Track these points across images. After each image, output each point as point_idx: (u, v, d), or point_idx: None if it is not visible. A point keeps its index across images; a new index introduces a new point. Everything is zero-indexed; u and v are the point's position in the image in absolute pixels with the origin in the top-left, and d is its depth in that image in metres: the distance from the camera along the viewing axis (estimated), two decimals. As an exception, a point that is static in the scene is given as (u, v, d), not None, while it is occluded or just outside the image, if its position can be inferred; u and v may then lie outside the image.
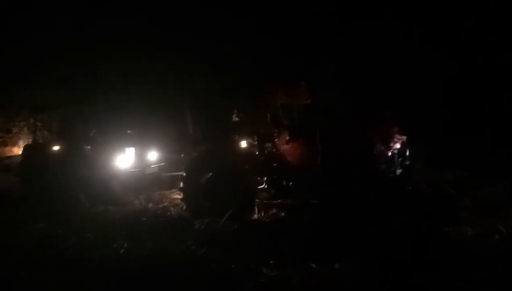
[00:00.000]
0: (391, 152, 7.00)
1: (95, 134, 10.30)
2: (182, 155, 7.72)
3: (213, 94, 8.36)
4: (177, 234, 6.46)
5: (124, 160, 9.53)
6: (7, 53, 14.18)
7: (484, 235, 5.70)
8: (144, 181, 9.81)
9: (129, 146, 9.66)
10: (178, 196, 9.25)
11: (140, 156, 9.88)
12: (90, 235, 6.69)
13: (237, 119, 8.09)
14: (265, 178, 7.50)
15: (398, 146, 7.12)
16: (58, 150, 10.09)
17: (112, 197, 8.80)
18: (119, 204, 8.64)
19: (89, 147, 9.91)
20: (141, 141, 10.06)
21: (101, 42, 14.14)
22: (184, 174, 7.46)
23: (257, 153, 7.69)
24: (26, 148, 11.23)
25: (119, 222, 7.51)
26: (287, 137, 7.46)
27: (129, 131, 10.08)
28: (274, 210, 7.49)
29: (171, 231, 6.71)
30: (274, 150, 7.75)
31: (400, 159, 7.17)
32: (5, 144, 15.17)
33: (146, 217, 7.71)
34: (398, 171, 7.09)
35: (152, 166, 10.17)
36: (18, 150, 14.16)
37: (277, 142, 7.67)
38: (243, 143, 7.73)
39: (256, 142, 7.76)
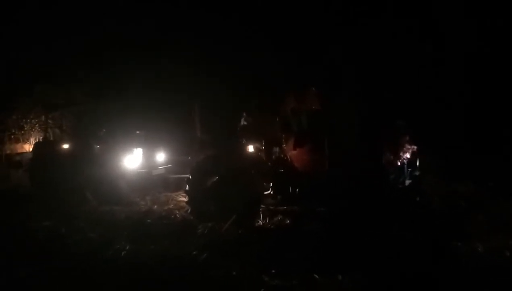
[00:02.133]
0: (401, 162, 6.85)
1: (105, 134, 10.39)
2: (189, 157, 7.65)
3: (222, 98, 8.27)
4: (180, 238, 6.39)
5: (132, 160, 9.54)
6: (22, 53, 14.35)
7: (495, 251, 5.51)
8: (150, 182, 9.79)
9: (137, 146, 9.67)
10: (183, 198, 9.23)
11: (148, 157, 9.90)
12: (93, 235, 6.67)
13: (245, 123, 8.01)
14: (271, 184, 7.37)
15: (408, 155, 6.97)
16: (68, 148, 10.18)
17: (119, 197, 8.79)
18: (125, 204, 8.61)
19: (98, 146, 9.97)
20: (149, 142, 10.07)
21: (114, 43, 14.23)
22: (190, 177, 7.40)
23: (264, 157, 7.58)
24: (36, 145, 11.37)
25: (124, 222, 7.48)
26: (294, 143, 7.35)
27: (137, 132, 10.09)
28: (280, 217, 7.37)
29: (174, 234, 6.64)
30: (281, 156, 7.65)
31: (410, 169, 7.00)
32: (17, 141, 15.34)
33: (151, 219, 7.67)
34: (407, 182, 6.93)
35: (159, 167, 10.18)
36: (29, 147, 14.32)
37: (284, 148, 7.57)
38: (251, 148, 7.63)
39: (263, 147, 7.65)
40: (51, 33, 14.68)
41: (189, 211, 7.44)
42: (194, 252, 5.66)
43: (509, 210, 6.95)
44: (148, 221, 7.57)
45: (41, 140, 12.79)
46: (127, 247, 5.92)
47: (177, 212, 8.16)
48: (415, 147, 7.08)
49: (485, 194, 7.78)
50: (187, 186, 7.43)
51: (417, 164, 7.12)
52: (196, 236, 6.55)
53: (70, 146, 10.21)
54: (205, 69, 12.25)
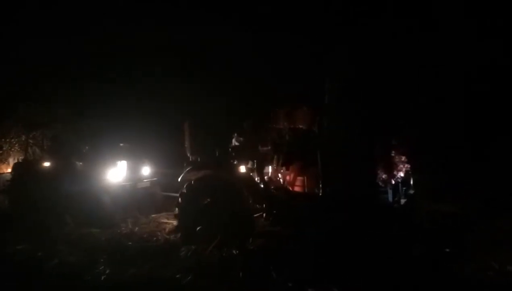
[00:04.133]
0: (395, 181, 6.83)
1: (88, 150, 10.15)
2: (179, 179, 7.44)
3: (215, 116, 8.09)
4: (163, 261, 6.19)
5: (116, 173, 9.36)
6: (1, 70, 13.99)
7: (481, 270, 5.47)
8: (134, 197, 9.59)
9: (121, 159, 9.52)
10: (166, 220, 9.02)
11: (132, 170, 9.75)
12: (72, 258, 6.42)
13: (236, 143, 7.86)
14: (264, 205, 7.22)
15: (402, 174, 6.94)
16: (48, 167, 9.90)
17: (100, 216, 8.51)
18: (106, 225, 8.34)
19: (81, 163, 9.72)
20: (134, 155, 9.97)
21: (96, 56, 13.92)
22: (180, 200, 7.17)
23: (256, 178, 7.43)
24: (15, 166, 11.01)
25: (104, 245, 7.22)
26: (282, 162, 7.27)
27: (121, 145, 9.97)
28: (270, 239, 7.17)
29: (157, 257, 6.44)
30: (274, 176, 7.54)
31: (404, 188, 6.97)
32: (-5, 162, 14.91)
33: (132, 242, 7.42)
34: (402, 201, 6.89)
35: (144, 180, 10.02)
36: (7, 167, 13.93)
37: (276, 167, 7.47)
38: (242, 168, 7.51)
39: (255, 167, 7.52)
40: (26, 51, 14.34)
41: (178, 235, 7.15)
42: (178, 275, 5.47)
43: (503, 229, 6.89)
44: (129, 243, 7.34)
45: (20, 160, 12.39)
46: (107, 271, 5.70)
47: (159, 233, 7.94)
48: (408, 165, 7.06)
49: (480, 212, 7.67)
50: (176, 209, 7.20)
51: (411, 182, 7.09)
52: (180, 258, 6.34)
53: (51, 165, 9.94)
54: (198, 84, 11.93)
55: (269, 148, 7.68)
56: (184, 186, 7.27)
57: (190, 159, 7.79)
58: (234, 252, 6.40)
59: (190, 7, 12.46)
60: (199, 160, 7.73)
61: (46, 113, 13.92)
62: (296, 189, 7.38)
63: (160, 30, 12.75)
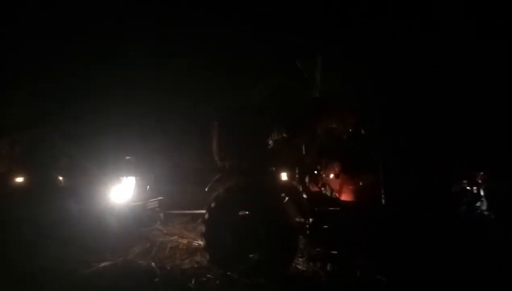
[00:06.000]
0: (477, 191, 5.72)
1: (70, 162, 8.33)
2: (206, 189, 6.09)
3: (249, 112, 6.61)
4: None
5: (121, 192, 7.79)
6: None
7: None
8: (141, 219, 8.01)
9: (127, 175, 7.94)
10: (183, 240, 7.53)
11: (140, 187, 8.16)
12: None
13: (275, 146, 6.42)
14: (310, 220, 5.92)
15: (480, 181, 5.86)
16: (22, 182, 8.07)
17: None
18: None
19: (61, 177, 8.01)
20: (140, 169, 8.35)
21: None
22: (207, 215, 5.85)
23: (300, 188, 6.13)
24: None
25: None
26: (338, 170, 5.99)
27: (127, 157, 8.31)
28: (318, 262, 5.99)
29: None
30: (321, 186, 6.24)
31: (484, 198, 5.87)
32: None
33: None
34: (485, 212, 5.78)
35: (151, 200, 8.44)
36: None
37: (324, 176, 6.17)
38: (284, 177, 6.20)
39: (297, 176, 6.21)
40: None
41: (208, 258, 5.86)
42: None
43: None
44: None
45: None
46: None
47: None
48: (482, 173, 5.96)
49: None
50: (203, 227, 5.87)
51: (484, 192, 5.99)
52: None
53: (24, 179, 8.05)
54: (230, 77, 9.91)
55: (315, 151, 6.41)
56: (213, 198, 5.95)
57: (219, 165, 6.41)
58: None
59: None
60: (228, 166, 6.37)
61: (13, 118, 11.41)
62: (350, 202, 6.10)
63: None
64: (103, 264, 6.16)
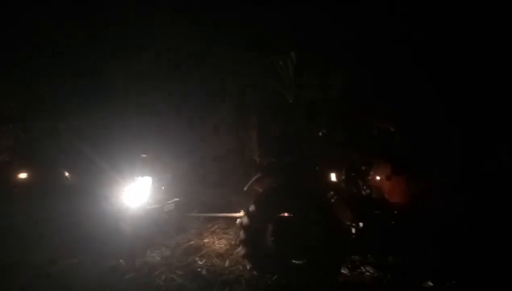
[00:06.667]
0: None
1: (78, 158, 7.61)
2: (245, 189, 5.53)
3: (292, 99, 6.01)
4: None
5: (137, 193, 7.07)
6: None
7: None
8: (160, 224, 7.31)
9: (143, 174, 7.22)
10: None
11: (156, 188, 7.45)
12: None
13: (321, 143, 5.92)
14: (360, 224, 5.44)
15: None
16: (26, 179, 7.35)
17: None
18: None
19: (68, 174, 7.29)
20: (157, 168, 7.65)
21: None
22: (247, 220, 5.31)
23: (350, 190, 5.66)
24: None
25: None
26: (390, 170, 5.54)
27: (143, 155, 7.60)
28: (370, 270, 5.52)
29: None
30: (371, 188, 5.77)
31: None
32: None
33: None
34: None
35: (168, 202, 7.75)
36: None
37: (375, 177, 5.70)
38: (332, 177, 5.70)
39: (344, 176, 5.74)
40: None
41: (248, 266, 5.31)
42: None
43: None
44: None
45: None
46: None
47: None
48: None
49: None
50: (242, 233, 5.34)
51: None
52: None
53: (29, 175, 7.41)
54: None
55: (361, 151, 5.95)
56: (253, 200, 5.41)
57: (258, 163, 5.89)
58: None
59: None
60: (269, 164, 5.85)
61: (14, 106, 10.46)
62: (404, 205, 5.63)
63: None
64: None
